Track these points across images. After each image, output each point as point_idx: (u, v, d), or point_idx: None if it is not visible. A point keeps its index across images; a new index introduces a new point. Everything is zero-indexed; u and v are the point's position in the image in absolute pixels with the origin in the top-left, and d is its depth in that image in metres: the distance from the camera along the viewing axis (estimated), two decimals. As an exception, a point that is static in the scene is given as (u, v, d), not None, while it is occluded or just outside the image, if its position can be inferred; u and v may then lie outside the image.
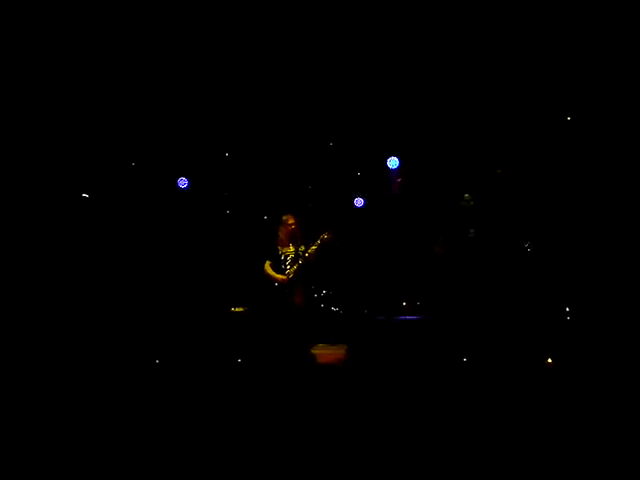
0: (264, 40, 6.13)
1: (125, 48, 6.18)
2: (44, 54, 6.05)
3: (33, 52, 6.01)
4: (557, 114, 6.07)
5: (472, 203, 5.95)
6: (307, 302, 5.70)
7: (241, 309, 6.89)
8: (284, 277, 5.55)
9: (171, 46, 6.24)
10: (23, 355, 5.71)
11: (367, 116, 6.67)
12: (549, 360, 5.30)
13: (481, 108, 6.47)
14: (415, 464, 3.10)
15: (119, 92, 6.62)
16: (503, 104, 6.28)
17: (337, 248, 5.95)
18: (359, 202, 7.15)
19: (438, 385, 5.01)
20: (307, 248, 5.55)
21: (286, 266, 5.61)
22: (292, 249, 5.67)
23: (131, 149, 7.11)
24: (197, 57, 6.37)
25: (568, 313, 5.50)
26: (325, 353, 6.22)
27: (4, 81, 6.04)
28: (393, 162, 6.81)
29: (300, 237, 5.68)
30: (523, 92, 6.11)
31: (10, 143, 6.31)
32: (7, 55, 5.93)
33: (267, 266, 5.66)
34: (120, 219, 7.01)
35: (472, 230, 5.84)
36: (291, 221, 5.70)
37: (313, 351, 5.93)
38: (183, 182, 7.11)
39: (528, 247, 5.62)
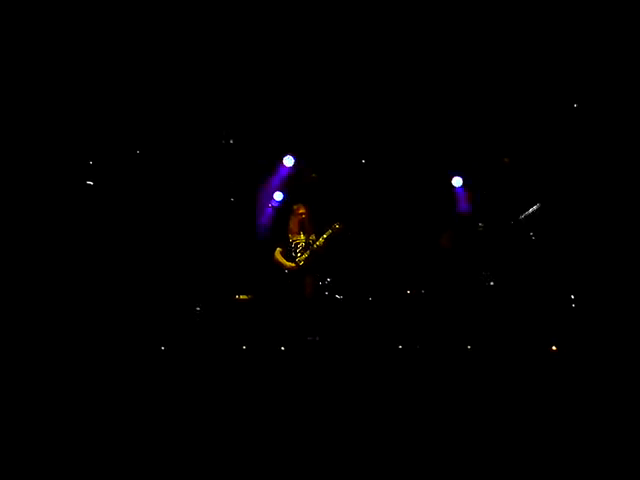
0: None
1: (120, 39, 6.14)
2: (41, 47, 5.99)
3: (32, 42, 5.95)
4: (563, 102, 6.15)
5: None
6: (316, 291, 5.78)
7: (246, 297, 6.92)
8: (293, 265, 5.63)
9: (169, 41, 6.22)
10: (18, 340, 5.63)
11: (373, 103, 6.68)
12: (553, 347, 5.43)
13: (485, 97, 6.53)
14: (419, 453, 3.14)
15: (118, 83, 6.57)
16: (510, 93, 6.33)
17: (347, 238, 6.00)
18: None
19: (442, 374, 5.09)
20: (317, 237, 5.63)
21: (296, 254, 5.70)
22: (302, 237, 5.77)
23: (134, 134, 7.06)
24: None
25: (573, 301, 5.63)
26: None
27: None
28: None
29: (310, 226, 5.77)
30: (530, 82, 6.17)
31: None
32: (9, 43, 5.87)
33: (277, 253, 5.76)
34: (124, 206, 6.97)
35: (481, 224, 5.91)
36: (301, 210, 5.81)
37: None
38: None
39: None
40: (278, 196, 7.47)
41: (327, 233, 5.59)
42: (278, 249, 5.78)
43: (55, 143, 6.58)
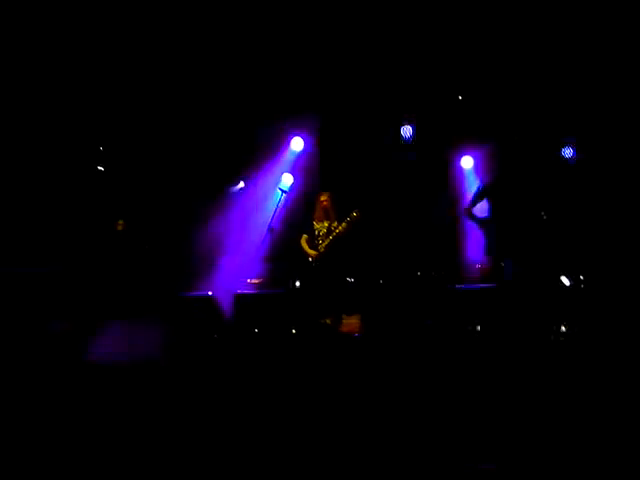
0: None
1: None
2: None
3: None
4: None
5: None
6: (338, 277, 5.94)
7: (257, 281, 7.00)
8: (315, 252, 5.77)
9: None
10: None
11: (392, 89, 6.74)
12: (563, 328, 5.70)
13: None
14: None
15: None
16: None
17: (367, 226, 6.14)
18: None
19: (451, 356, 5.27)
20: (338, 224, 5.75)
21: (318, 241, 5.82)
22: (326, 224, 5.91)
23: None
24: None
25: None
26: (344, 323, 6.44)
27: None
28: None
29: (333, 214, 5.90)
30: None
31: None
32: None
33: (303, 240, 5.96)
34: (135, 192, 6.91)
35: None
36: (323, 197, 5.96)
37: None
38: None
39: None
40: (288, 179, 7.48)
41: (346, 221, 5.74)
42: (304, 236, 5.97)
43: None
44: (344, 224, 5.73)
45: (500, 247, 5.73)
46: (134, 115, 6.92)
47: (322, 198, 5.94)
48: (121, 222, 6.53)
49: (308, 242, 5.90)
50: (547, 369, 4.40)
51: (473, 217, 5.71)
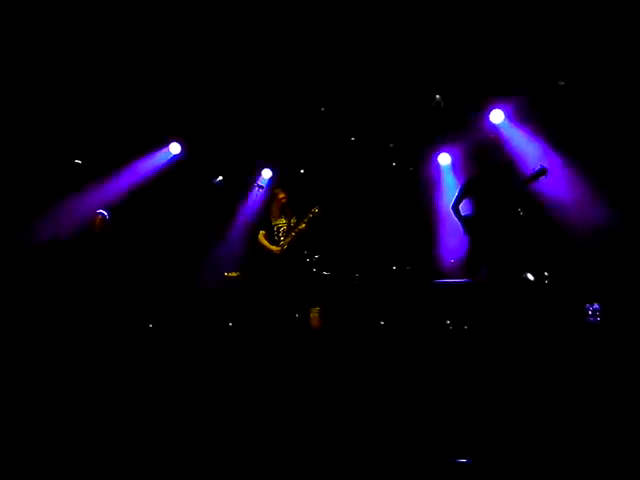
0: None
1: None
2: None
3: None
4: None
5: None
6: (301, 273, 6.00)
7: (235, 274, 7.14)
8: (278, 248, 5.82)
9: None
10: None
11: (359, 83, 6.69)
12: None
13: None
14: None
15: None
16: None
17: (327, 221, 6.17)
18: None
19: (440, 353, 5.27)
20: (298, 221, 5.81)
21: (279, 237, 5.89)
22: (284, 221, 5.96)
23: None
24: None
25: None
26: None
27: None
28: None
29: (290, 210, 5.96)
30: None
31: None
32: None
33: (261, 236, 5.98)
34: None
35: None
36: (281, 195, 6.00)
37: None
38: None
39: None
40: (267, 174, 7.59)
41: (307, 217, 5.77)
42: (262, 232, 5.99)
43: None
44: (306, 220, 5.78)
45: (480, 245, 5.73)
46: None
47: (280, 195, 5.96)
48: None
49: (267, 238, 5.93)
50: (524, 365, 4.43)
51: (459, 215, 5.73)
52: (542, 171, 5.40)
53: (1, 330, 5.31)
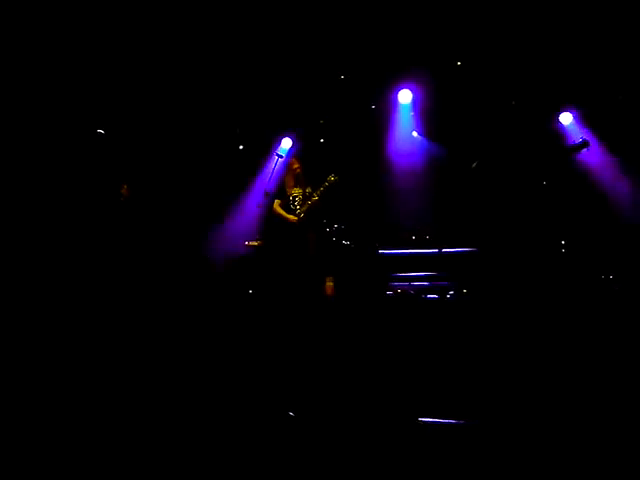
0: None
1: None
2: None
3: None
4: None
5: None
6: (319, 241, 6.03)
7: (256, 242, 7.23)
8: (295, 217, 5.85)
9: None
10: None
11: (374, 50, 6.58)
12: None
13: None
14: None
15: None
16: None
17: (343, 189, 6.16)
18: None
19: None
20: (314, 190, 5.81)
21: (295, 207, 5.92)
22: (299, 190, 6.00)
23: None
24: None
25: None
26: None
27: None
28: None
29: (305, 179, 6.01)
30: None
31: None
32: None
33: (277, 205, 6.05)
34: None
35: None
36: (295, 165, 6.05)
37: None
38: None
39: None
40: (287, 143, 7.57)
41: (323, 185, 5.77)
42: (277, 201, 6.05)
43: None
44: (321, 188, 5.79)
45: None
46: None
47: (295, 165, 6.02)
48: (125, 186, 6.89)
49: (283, 207, 5.98)
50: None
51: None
52: (584, 143, 5.35)
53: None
